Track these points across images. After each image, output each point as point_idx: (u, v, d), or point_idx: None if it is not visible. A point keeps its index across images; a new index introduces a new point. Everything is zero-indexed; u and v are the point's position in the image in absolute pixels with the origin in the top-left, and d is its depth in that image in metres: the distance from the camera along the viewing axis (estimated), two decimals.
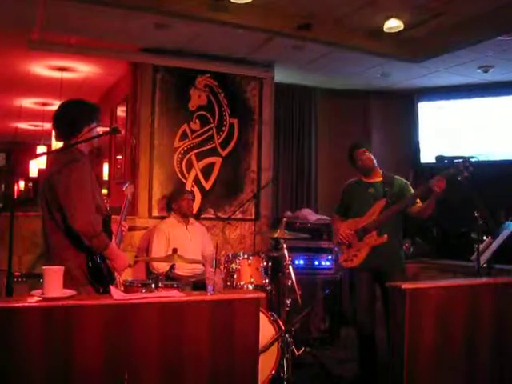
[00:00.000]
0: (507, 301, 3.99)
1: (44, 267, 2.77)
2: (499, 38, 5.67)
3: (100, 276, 3.40)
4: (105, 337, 2.72)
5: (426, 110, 7.98)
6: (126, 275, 5.58)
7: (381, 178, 5.11)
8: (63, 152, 3.49)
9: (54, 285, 2.72)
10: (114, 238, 3.66)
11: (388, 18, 5.50)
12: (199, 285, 5.39)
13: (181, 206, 6.08)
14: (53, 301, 2.66)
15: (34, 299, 2.68)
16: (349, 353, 6.05)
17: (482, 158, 7.30)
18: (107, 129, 3.67)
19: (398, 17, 5.47)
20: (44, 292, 2.70)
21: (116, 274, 3.60)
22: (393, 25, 5.54)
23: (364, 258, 4.91)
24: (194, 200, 6.43)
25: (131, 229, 4.04)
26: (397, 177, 5.15)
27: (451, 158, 4.61)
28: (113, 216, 3.74)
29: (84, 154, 3.53)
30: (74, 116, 3.57)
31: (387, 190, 4.99)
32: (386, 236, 4.85)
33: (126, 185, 4.33)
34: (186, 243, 5.89)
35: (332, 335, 6.66)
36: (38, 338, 2.58)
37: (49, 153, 3.35)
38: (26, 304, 2.62)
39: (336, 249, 5.28)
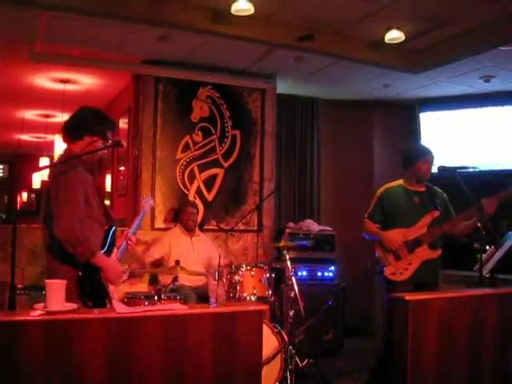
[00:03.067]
0: (510, 311, 3.97)
1: (46, 281, 2.76)
2: (500, 48, 5.68)
3: (90, 290, 3.36)
4: (107, 350, 2.71)
5: (428, 120, 7.98)
6: (128, 287, 5.59)
7: (424, 188, 4.90)
8: (63, 162, 3.51)
9: (57, 298, 2.71)
10: (116, 250, 3.64)
11: (389, 29, 5.52)
12: (201, 295, 5.40)
13: (182, 219, 6.09)
14: (55, 314, 2.65)
15: (36, 313, 2.67)
16: (352, 364, 6.05)
17: (484, 168, 7.33)
18: (110, 141, 3.67)
19: (399, 28, 5.49)
20: (46, 305, 2.70)
21: (111, 286, 3.55)
22: (394, 36, 5.55)
23: (414, 271, 4.66)
24: (197, 213, 6.39)
25: None
26: (436, 188, 4.97)
27: (453, 169, 4.60)
28: (120, 228, 3.74)
29: (82, 162, 3.51)
30: (82, 121, 3.58)
31: (437, 201, 4.80)
32: (440, 250, 4.70)
33: (147, 199, 4.35)
34: (189, 254, 5.89)
35: (336, 346, 6.65)
36: (40, 351, 2.57)
37: (51, 166, 3.37)
38: (29, 318, 2.62)
39: (381, 259, 4.81)
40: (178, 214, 6.22)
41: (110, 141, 3.63)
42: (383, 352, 4.89)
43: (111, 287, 3.53)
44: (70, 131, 3.60)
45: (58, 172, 3.41)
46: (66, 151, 3.61)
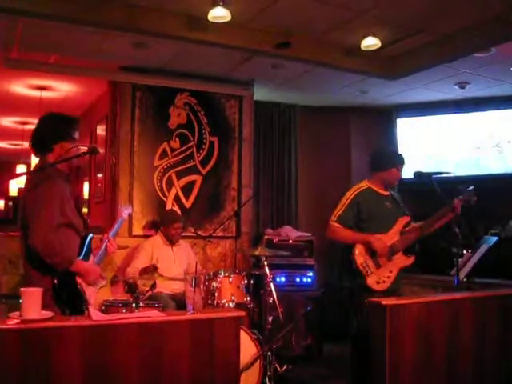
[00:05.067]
0: (486, 314, 4.02)
1: (22, 289, 2.75)
2: (475, 54, 5.74)
3: (67, 297, 3.34)
4: (84, 358, 2.69)
5: (405, 126, 8.05)
6: (106, 295, 5.56)
7: (388, 192, 4.73)
8: (39, 171, 3.51)
9: (33, 306, 2.69)
10: (92, 257, 3.63)
11: (365, 36, 5.55)
12: (180, 303, 5.38)
13: (169, 233, 6.02)
14: (31, 323, 2.63)
15: (12, 321, 2.65)
16: (331, 369, 6.06)
17: (459, 174, 7.40)
18: (86, 148, 3.66)
19: (375, 35, 5.52)
20: (22, 314, 2.67)
21: (88, 292, 3.53)
22: (370, 43, 5.58)
23: (393, 280, 4.44)
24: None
25: None
26: (393, 192, 4.83)
27: (429, 174, 4.62)
28: (97, 236, 3.73)
29: (59, 171, 3.51)
30: (43, 132, 3.57)
31: (402, 206, 4.69)
32: (413, 257, 4.54)
33: (126, 206, 4.30)
34: (170, 264, 5.87)
35: (315, 352, 6.65)
36: (16, 360, 2.55)
37: (29, 173, 3.36)
38: (4, 326, 2.59)
39: (362, 268, 4.40)
40: (164, 226, 6.12)
41: (81, 145, 3.63)
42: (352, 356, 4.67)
43: (88, 292, 3.51)
44: (38, 145, 3.59)
45: (35, 183, 3.42)
46: (41, 162, 3.59)
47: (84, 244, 3.56)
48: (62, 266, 3.33)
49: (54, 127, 3.58)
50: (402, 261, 4.52)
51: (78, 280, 3.44)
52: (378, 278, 4.40)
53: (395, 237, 4.52)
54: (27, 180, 3.64)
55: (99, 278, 3.60)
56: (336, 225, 4.55)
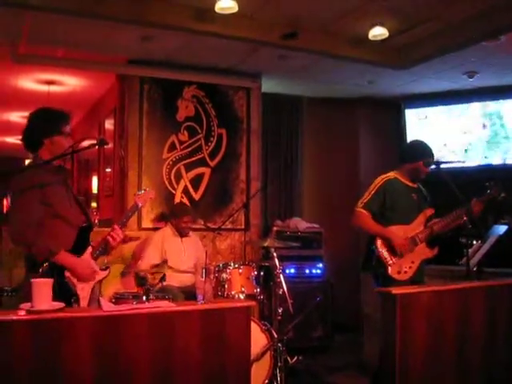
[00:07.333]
0: (497, 303, 4.01)
1: (32, 280, 2.75)
2: (483, 43, 5.71)
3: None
4: (95, 349, 2.70)
5: (413, 116, 8.00)
6: (117, 287, 5.58)
7: (416, 185, 4.73)
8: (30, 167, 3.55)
9: (43, 297, 2.70)
10: (90, 249, 3.58)
11: (373, 26, 5.53)
12: (189, 295, 5.39)
13: (179, 226, 6.01)
14: (42, 313, 2.64)
15: (22, 312, 2.66)
16: (342, 360, 6.06)
17: (469, 163, 7.37)
18: (94, 141, 3.65)
19: (382, 24, 5.50)
20: (33, 305, 2.68)
21: (81, 286, 3.47)
22: (378, 32, 5.56)
23: (416, 270, 4.45)
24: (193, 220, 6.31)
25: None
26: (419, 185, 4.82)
27: (438, 163, 4.62)
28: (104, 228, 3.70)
29: (49, 166, 3.51)
30: (31, 128, 3.60)
31: (428, 200, 4.72)
32: (437, 249, 4.55)
33: (146, 192, 4.00)
34: (180, 256, 5.86)
35: (325, 343, 6.66)
36: (27, 350, 2.56)
37: (36, 166, 3.39)
38: (15, 317, 2.60)
39: (383, 257, 4.43)
40: (174, 218, 6.07)
41: (67, 133, 3.62)
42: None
43: (80, 286, 3.46)
44: (28, 143, 3.63)
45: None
46: (33, 159, 3.63)
47: (81, 237, 3.55)
48: (43, 256, 3.31)
49: (40, 122, 3.60)
50: (424, 252, 4.53)
51: (67, 274, 3.41)
52: (400, 268, 4.42)
53: (418, 228, 4.54)
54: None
55: (92, 274, 3.53)
56: (362, 211, 4.53)
